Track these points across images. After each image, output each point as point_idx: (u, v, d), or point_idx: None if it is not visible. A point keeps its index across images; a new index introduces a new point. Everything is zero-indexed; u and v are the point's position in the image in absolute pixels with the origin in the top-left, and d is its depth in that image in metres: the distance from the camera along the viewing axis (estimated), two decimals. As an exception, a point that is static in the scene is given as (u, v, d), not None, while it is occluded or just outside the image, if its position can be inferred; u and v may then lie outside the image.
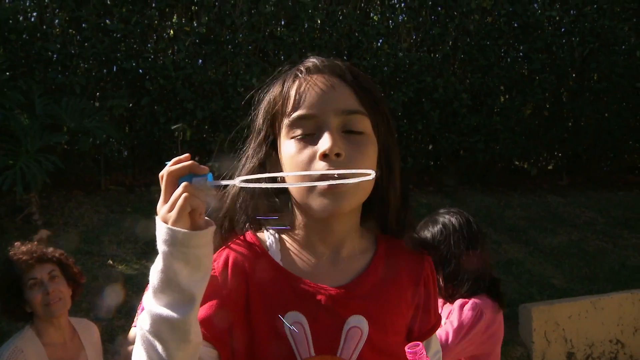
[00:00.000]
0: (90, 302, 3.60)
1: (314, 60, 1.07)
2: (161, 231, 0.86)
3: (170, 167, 0.88)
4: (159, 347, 0.88)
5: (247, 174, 1.05)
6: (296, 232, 1.08)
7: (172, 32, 6.16)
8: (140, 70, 5.88)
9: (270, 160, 1.07)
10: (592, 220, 6.59)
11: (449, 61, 6.91)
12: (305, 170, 0.98)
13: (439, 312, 1.20)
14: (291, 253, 1.07)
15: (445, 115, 6.67)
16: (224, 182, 0.91)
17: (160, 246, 0.87)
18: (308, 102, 1.01)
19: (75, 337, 2.41)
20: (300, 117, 1.01)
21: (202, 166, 0.88)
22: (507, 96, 7.24)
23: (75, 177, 5.77)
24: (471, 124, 6.68)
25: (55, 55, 5.69)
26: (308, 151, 0.99)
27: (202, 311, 0.99)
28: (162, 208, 0.88)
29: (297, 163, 1.00)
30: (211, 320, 1.00)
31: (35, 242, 2.38)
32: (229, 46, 6.08)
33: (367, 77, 1.08)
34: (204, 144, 5.89)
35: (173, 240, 0.85)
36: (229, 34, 6.12)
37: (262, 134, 1.08)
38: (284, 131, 1.04)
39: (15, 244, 2.35)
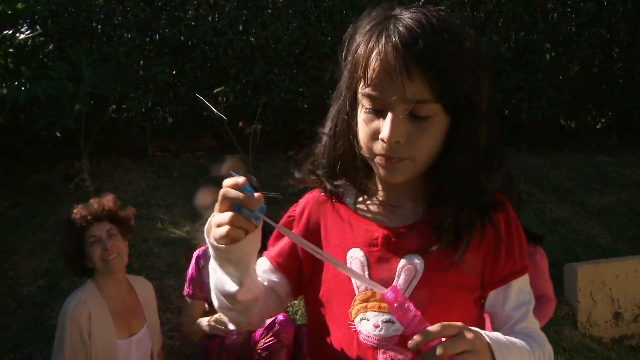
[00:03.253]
0: (141, 263, 3.74)
1: (402, 26, 1.01)
2: (207, 240, 1.04)
3: (227, 190, 0.97)
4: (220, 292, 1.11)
5: (336, 123, 1.14)
6: (370, 180, 1.16)
7: (212, -2, 6.20)
8: (182, 38, 5.96)
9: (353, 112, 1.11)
10: (643, 179, 6.41)
11: (493, 19, 6.74)
12: (368, 142, 1.06)
13: (525, 262, 1.12)
14: (362, 198, 1.17)
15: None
16: (271, 222, 1.02)
17: (209, 247, 1.04)
18: (378, 83, 1.02)
19: (132, 293, 2.57)
20: (368, 95, 1.03)
21: (256, 199, 0.97)
22: (553, 54, 7.03)
23: (122, 145, 5.94)
24: (515, 83, 6.54)
25: (99, 26, 5.82)
26: (373, 126, 1.04)
27: (279, 245, 1.21)
28: (211, 220, 1.02)
29: (363, 134, 1.07)
30: (285, 253, 1.20)
31: (95, 202, 2.52)
32: (269, 10, 6.08)
33: (455, 48, 1.01)
34: (246, 108, 5.94)
35: (214, 251, 1.03)
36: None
37: (348, 89, 1.11)
38: (359, 95, 1.07)
39: (77, 206, 2.50)
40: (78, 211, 2.46)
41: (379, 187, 1.16)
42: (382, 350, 1.07)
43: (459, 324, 0.95)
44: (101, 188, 4.99)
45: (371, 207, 1.16)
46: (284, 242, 1.21)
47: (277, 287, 1.20)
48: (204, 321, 2.67)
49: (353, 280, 1.10)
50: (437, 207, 1.07)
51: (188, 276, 2.90)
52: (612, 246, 4.91)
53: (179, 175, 5.44)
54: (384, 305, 1.07)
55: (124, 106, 5.86)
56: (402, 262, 1.08)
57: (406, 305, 0.95)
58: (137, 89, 5.64)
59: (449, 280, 1.06)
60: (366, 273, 1.10)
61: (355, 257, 1.12)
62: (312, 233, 1.17)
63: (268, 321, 2.62)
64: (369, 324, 1.08)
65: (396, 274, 1.08)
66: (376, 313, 1.08)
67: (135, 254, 3.83)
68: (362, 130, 1.07)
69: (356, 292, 1.10)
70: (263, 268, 1.22)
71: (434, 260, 1.07)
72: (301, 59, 6.12)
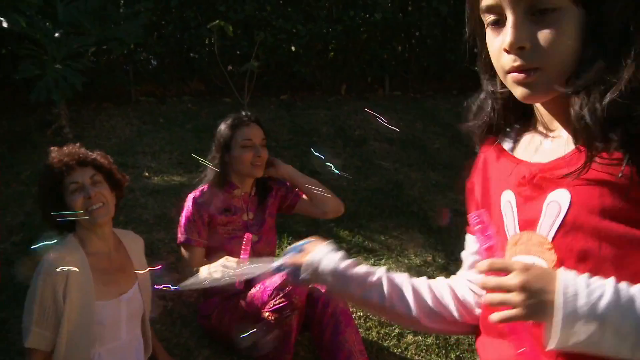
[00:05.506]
0: (127, 216, 3.41)
1: None
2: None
3: None
4: None
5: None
6: (527, 118, 1.06)
7: None
8: (167, -28, 5.49)
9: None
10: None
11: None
12: (498, 62, 0.96)
13: None
14: (520, 138, 1.07)
15: None
16: None
17: None
18: None
19: (120, 248, 2.25)
20: (485, 7, 0.95)
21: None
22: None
23: (104, 89, 5.55)
24: None
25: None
26: (497, 42, 0.95)
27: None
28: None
29: (492, 53, 0.97)
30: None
31: (77, 145, 2.18)
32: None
33: None
34: (237, 49, 5.54)
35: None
36: None
37: (473, 22, 1.02)
38: (481, 15, 0.98)
39: (53, 148, 2.15)
40: (57, 154, 2.11)
41: (534, 121, 1.04)
42: None
43: (518, 263, 0.88)
44: (82, 135, 4.63)
45: (525, 145, 1.04)
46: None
47: None
48: (206, 269, 2.32)
49: (505, 224, 1.01)
50: (580, 124, 0.88)
51: (183, 220, 2.56)
52: None
53: (165, 121, 5.07)
54: (530, 247, 0.96)
55: (104, 47, 5.42)
56: (549, 198, 0.94)
57: (487, 233, 0.98)
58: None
59: (597, 216, 0.88)
60: (515, 215, 1.00)
61: (507, 200, 1.01)
62: (484, 182, 1.11)
63: (278, 280, 2.32)
64: None
65: (542, 212, 0.94)
66: (524, 256, 0.97)
67: (120, 205, 3.49)
68: (490, 51, 0.97)
69: (508, 236, 1.01)
70: (468, 249, 1.18)
71: (585, 195, 0.89)
72: (296, -6, 5.69)
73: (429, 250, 3.52)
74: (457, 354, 2.73)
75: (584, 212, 0.90)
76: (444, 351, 2.74)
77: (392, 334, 2.82)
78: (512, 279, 0.86)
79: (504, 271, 0.88)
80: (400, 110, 5.80)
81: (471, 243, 1.17)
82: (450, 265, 3.34)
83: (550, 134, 1.00)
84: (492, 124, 1.08)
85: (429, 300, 1.16)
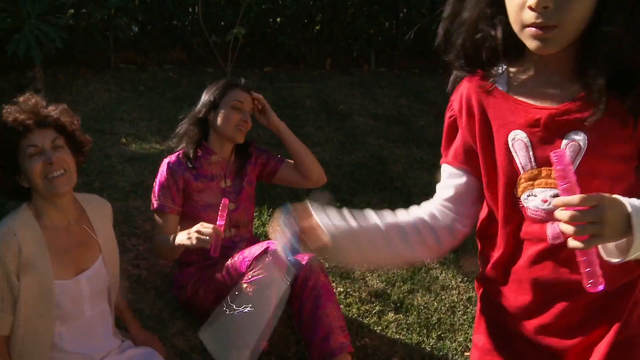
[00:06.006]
0: (103, 182, 3.29)
1: None
2: None
3: None
4: None
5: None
6: (520, 62, 1.15)
7: None
8: None
9: None
10: None
11: None
12: (517, 15, 1.05)
13: None
14: (515, 81, 1.16)
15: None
16: None
17: None
18: None
19: (83, 218, 1.99)
20: None
21: None
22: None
23: (82, 55, 5.36)
24: None
25: None
26: None
27: (452, 148, 1.25)
28: None
29: (512, 8, 1.06)
30: (460, 150, 1.23)
31: (34, 100, 1.87)
32: None
33: None
34: (220, 19, 5.39)
35: None
36: None
37: None
38: None
39: (7, 106, 1.86)
40: (12, 112, 1.83)
41: (531, 67, 1.14)
42: (550, 223, 1.12)
43: (601, 196, 0.97)
44: (58, 100, 4.38)
45: (525, 89, 1.14)
46: (456, 143, 1.24)
47: (465, 191, 1.24)
48: (183, 235, 2.20)
49: (517, 160, 1.13)
50: (589, 71, 1.04)
51: (157, 185, 2.45)
52: None
53: (145, 89, 4.93)
54: (550, 181, 1.10)
55: (83, 11, 5.23)
56: (567, 138, 1.08)
57: (568, 168, 0.99)
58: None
59: (612, 152, 1.07)
60: (531, 154, 1.12)
61: (517, 139, 1.13)
62: (480, 118, 1.18)
63: (257, 251, 2.23)
64: (536, 200, 1.13)
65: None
66: (543, 189, 1.12)
67: (95, 171, 3.38)
68: (510, 4, 1.06)
69: (521, 171, 1.13)
70: (445, 181, 1.27)
71: (597, 134, 1.06)
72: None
73: (411, 227, 3.46)
74: (439, 333, 2.68)
75: (598, 150, 1.06)
76: (425, 330, 2.69)
77: (373, 311, 2.76)
78: (598, 211, 0.95)
79: (588, 205, 0.96)
80: (385, 87, 5.72)
81: (447, 173, 1.26)
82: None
83: (553, 80, 1.11)
84: (483, 52, 1.14)
85: (419, 229, 1.25)
